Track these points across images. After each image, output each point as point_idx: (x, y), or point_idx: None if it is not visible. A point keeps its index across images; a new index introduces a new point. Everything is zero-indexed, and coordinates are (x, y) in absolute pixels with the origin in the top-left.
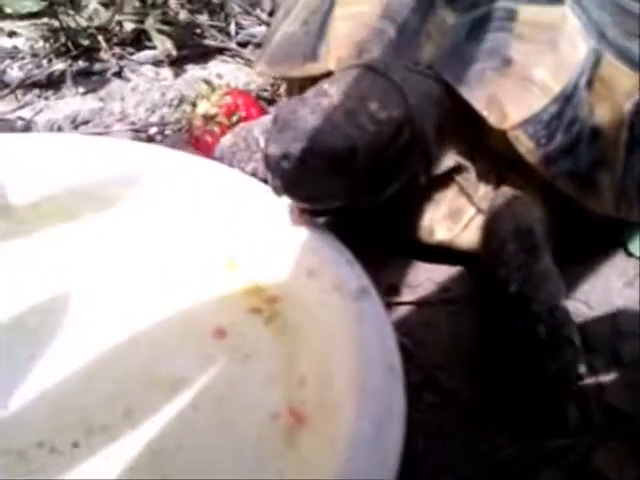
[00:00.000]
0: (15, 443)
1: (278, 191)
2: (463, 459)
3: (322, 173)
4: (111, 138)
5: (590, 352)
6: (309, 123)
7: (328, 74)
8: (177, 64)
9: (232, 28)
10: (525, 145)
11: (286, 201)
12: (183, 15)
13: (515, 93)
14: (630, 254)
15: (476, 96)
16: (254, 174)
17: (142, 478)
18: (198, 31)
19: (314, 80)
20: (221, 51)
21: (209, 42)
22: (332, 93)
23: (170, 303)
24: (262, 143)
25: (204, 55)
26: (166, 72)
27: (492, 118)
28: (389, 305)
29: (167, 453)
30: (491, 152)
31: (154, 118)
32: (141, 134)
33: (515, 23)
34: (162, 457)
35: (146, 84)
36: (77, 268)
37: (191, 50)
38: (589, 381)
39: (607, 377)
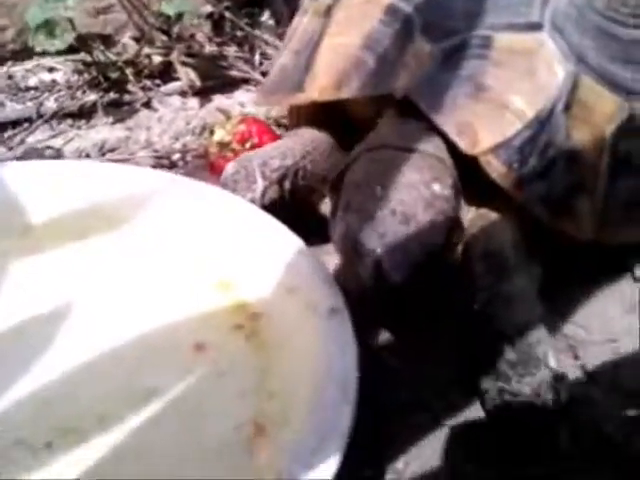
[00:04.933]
0: None
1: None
2: None
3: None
4: (124, 165)
5: (588, 378)
6: (402, 235)
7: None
8: (203, 94)
9: (257, 59)
10: (497, 170)
11: (274, 223)
12: (209, 47)
13: (488, 119)
14: (636, 279)
15: (448, 122)
16: (252, 201)
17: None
18: (224, 63)
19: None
20: (246, 81)
21: (234, 73)
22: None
23: (159, 318)
24: (258, 174)
25: (229, 85)
26: (192, 102)
27: (463, 144)
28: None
29: (132, 458)
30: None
31: (177, 145)
32: (163, 160)
33: (491, 50)
34: (127, 462)
35: (172, 114)
36: (78, 283)
37: (217, 80)
38: (584, 407)
39: (603, 404)
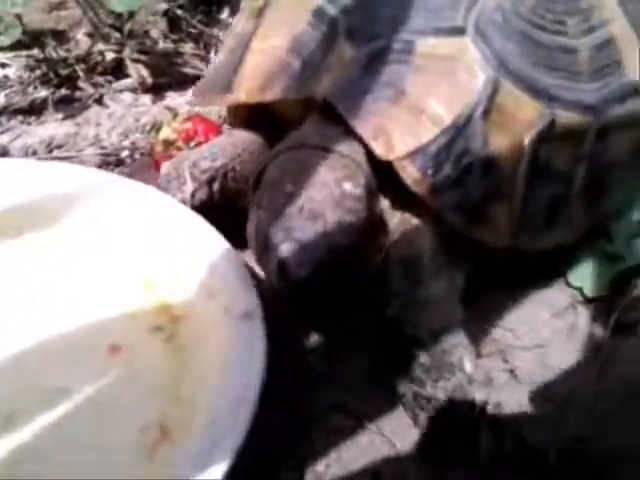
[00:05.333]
0: None
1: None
2: None
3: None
4: (62, 163)
5: (516, 382)
6: (308, 232)
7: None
8: (155, 91)
9: (212, 56)
10: (411, 176)
11: (202, 225)
12: (164, 44)
13: (405, 124)
14: (569, 284)
15: (365, 127)
16: (183, 202)
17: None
18: (179, 60)
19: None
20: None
21: (188, 70)
22: (301, 188)
23: (79, 318)
24: (188, 176)
25: (183, 82)
26: (144, 99)
27: (379, 149)
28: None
29: (32, 459)
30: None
31: (126, 143)
32: (110, 158)
33: (412, 55)
34: (26, 462)
35: (122, 110)
36: (6, 280)
37: (172, 78)
38: (508, 413)
39: (529, 408)
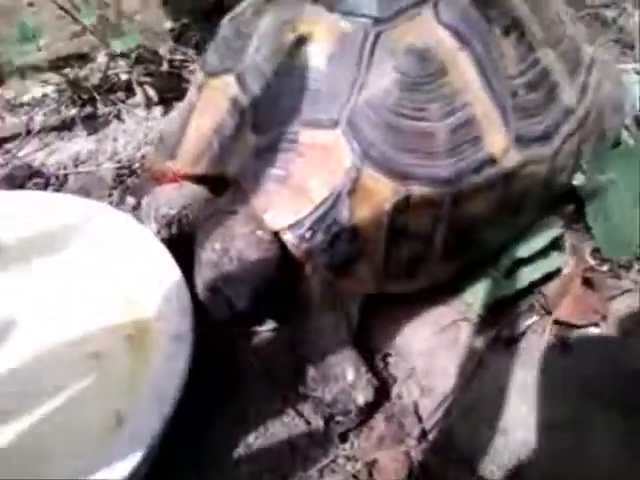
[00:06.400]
0: None
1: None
2: None
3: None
4: (63, 195)
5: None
6: (240, 274)
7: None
8: (165, 104)
9: None
10: (291, 242)
11: (163, 256)
12: (168, 61)
13: (288, 201)
14: (468, 304)
15: (259, 202)
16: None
17: None
18: (185, 74)
19: None
20: None
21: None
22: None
23: (67, 330)
24: (152, 217)
25: None
26: (156, 112)
27: (267, 220)
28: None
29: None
30: None
31: (138, 155)
32: (125, 170)
33: (298, 144)
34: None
35: (136, 125)
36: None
37: (178, 92)
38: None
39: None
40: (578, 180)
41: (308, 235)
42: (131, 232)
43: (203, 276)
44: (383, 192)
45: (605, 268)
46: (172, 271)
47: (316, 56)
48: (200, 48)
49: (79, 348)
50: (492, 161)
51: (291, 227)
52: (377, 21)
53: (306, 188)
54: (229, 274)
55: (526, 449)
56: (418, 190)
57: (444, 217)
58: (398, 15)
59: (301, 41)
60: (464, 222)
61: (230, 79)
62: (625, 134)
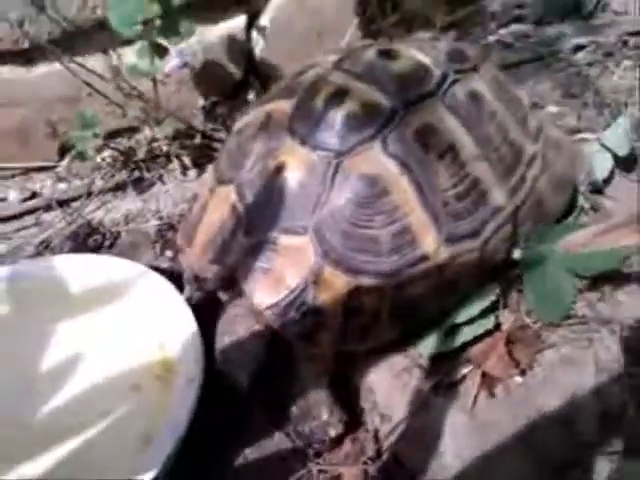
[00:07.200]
0: None
1: None
2: None
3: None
4: (110, 257)
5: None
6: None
7: None
8: (200, 167)
9: None
10: (271, 318)
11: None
12: (201, 133)
13: (269, 288)
14: (423, 350)
15: (249, 288)
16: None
17: None
18: (216, 143)
19: None
20: None
21: None
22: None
23: (116, 365)
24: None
25: None
26: (192, 174)
27: (255, 302)
28: None
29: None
30: None
31: (177, 211)
32: (165, 225)
33: (277, 245)
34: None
35: (175, 187)
36: (76, 338)
37: (209, 158)
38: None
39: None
40: (517, 254)
41: (283, 313)
42: (164, 292)
43: (217, 352)
44: (339, 284)
45: (537, 326)
46: (192, 326)
47: (291, 179)
48: (226, 121)
49: (124, 381)
50: (425, 258)
51: (270, 307)
52: (338, 154)
53: (282, 278)
54: (235, 356)
55: (454, 470)
56: (366, 282)
57: (387, 299)
58: (354, 148)
59: (280, 168)
60: (405, 301)
61: (231, 189)
62: (581, 199)
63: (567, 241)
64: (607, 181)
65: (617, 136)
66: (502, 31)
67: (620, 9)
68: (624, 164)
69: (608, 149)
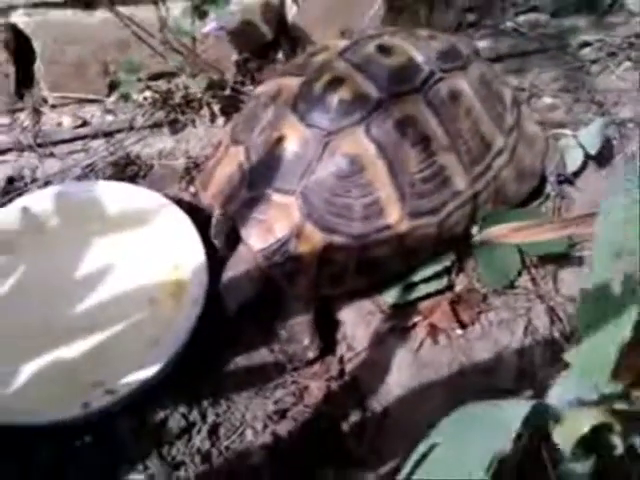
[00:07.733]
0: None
1: None
2: None
3: None
4: (136, 186)
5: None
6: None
7: None
8: (227, 115)
9: None
10: (260, 259)
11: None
12: (231, 85)
13: (261, 235)
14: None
15: (245, 234)
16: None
17: None
18: (244, 96)
19: None
20: None
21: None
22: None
23: (138, 281)
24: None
25: None
26: (220, 120)
27: (250, 244)
28: None
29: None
30: None
31: (203, 153)
32: (192, 164)
33: (270, 201)
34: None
35: (205, 131)
36: (106, 254)
37: (236, 108)
38: None
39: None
40: (474, 230)
41: (270, 255)
42: (182, 223)
43: (221, 282)
44: (316, 239)
45: (484, 291)
46: (201, 254)
47: (288, 149)
48: (254, 76)
49: (144, 294)
50: (389, 227)
51: (261, 250)
52: (328, 133)
53: (272, 229)
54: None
55: (396, 395)
56: (338, 240)
57: (354, 256)
58: (342, 129)
59: (281, 138)
60: (369, 259)
61: (241, 150)
62: (549, 187)
63: (487, 232)
64: (577, 174)
65: (591, 135)
66: (520, 18)
67: (636, 9)
68: (598, 160)
69: (581, 146)
